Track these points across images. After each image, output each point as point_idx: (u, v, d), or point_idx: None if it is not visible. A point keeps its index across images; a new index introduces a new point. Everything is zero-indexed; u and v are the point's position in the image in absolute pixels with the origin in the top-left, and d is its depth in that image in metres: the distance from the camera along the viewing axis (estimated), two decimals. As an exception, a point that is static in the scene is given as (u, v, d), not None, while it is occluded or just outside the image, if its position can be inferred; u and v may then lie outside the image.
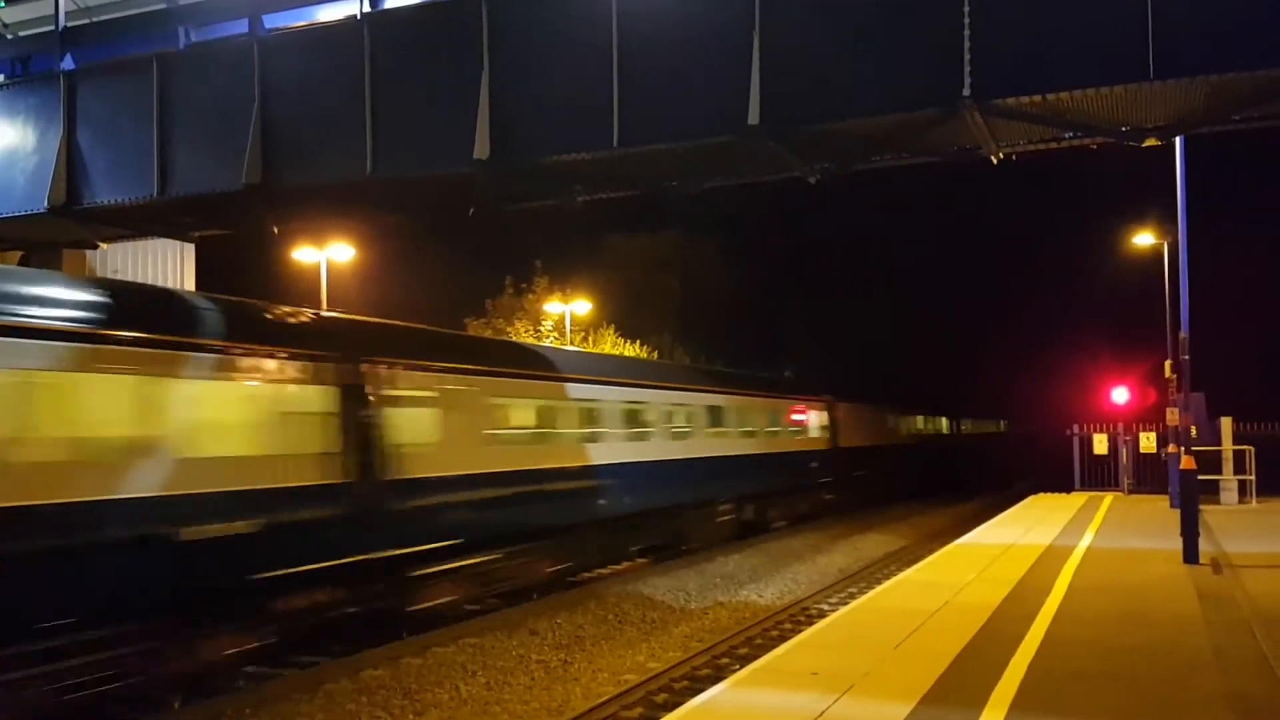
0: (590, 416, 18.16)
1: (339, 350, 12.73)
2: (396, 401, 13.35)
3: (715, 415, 23.30)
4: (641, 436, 19.86)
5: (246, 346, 11.51)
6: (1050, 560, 15.16)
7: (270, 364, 11.76)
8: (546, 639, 14.12)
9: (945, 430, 53.42)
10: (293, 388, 11.98)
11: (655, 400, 20.60)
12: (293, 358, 12.02)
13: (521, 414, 16.67)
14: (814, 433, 30.08)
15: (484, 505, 15.06)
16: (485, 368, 15.76)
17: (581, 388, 18.00)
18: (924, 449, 46.23)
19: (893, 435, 39.93)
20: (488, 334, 36.09)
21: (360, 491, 12.55)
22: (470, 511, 14.84)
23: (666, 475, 20.31)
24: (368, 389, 12.89)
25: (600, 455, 18.01)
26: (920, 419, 46.46)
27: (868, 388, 38.13)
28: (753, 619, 15.67)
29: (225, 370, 11.24)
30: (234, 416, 11.33)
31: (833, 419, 31.33)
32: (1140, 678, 8.40)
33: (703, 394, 23.10)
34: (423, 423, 13.94)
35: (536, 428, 16.98)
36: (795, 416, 28.87)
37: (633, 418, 19.64)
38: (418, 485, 13.60)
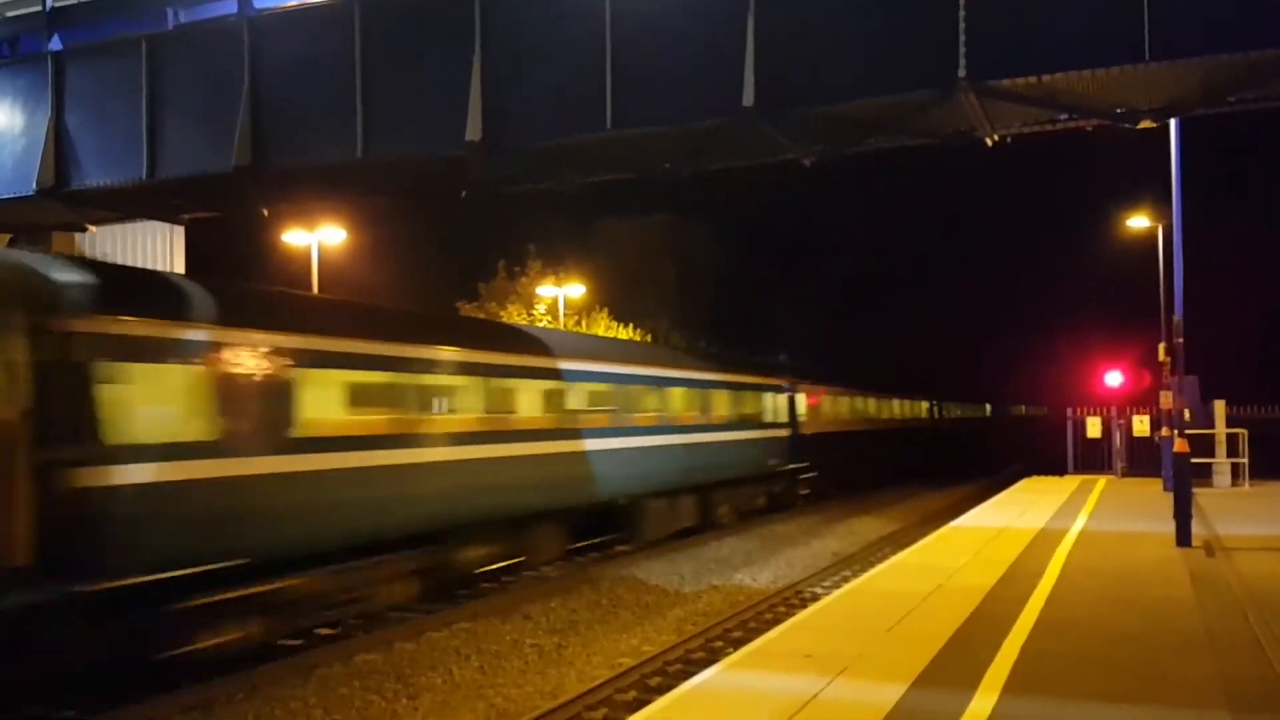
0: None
1: (788, 378, 28.56)
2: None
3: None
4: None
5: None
6: (1044, 543, 15.18)
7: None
8: (540, 623, 14.11)
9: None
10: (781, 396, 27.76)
11: None
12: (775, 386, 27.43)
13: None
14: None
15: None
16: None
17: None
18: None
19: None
20: (480, 317, 36.03)
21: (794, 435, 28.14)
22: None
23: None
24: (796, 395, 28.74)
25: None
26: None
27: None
28: (747, 602, 15.68)
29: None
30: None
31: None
32: (1133, 660, 8.40)
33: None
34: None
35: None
36: None
37: None
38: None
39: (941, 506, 30.86)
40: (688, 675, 9.78)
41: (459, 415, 14.57)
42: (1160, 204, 24.00)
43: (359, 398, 12.67)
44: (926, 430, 50.98)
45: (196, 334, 10.62)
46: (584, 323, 38.64)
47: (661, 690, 10.00)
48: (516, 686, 11.19)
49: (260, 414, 11.20)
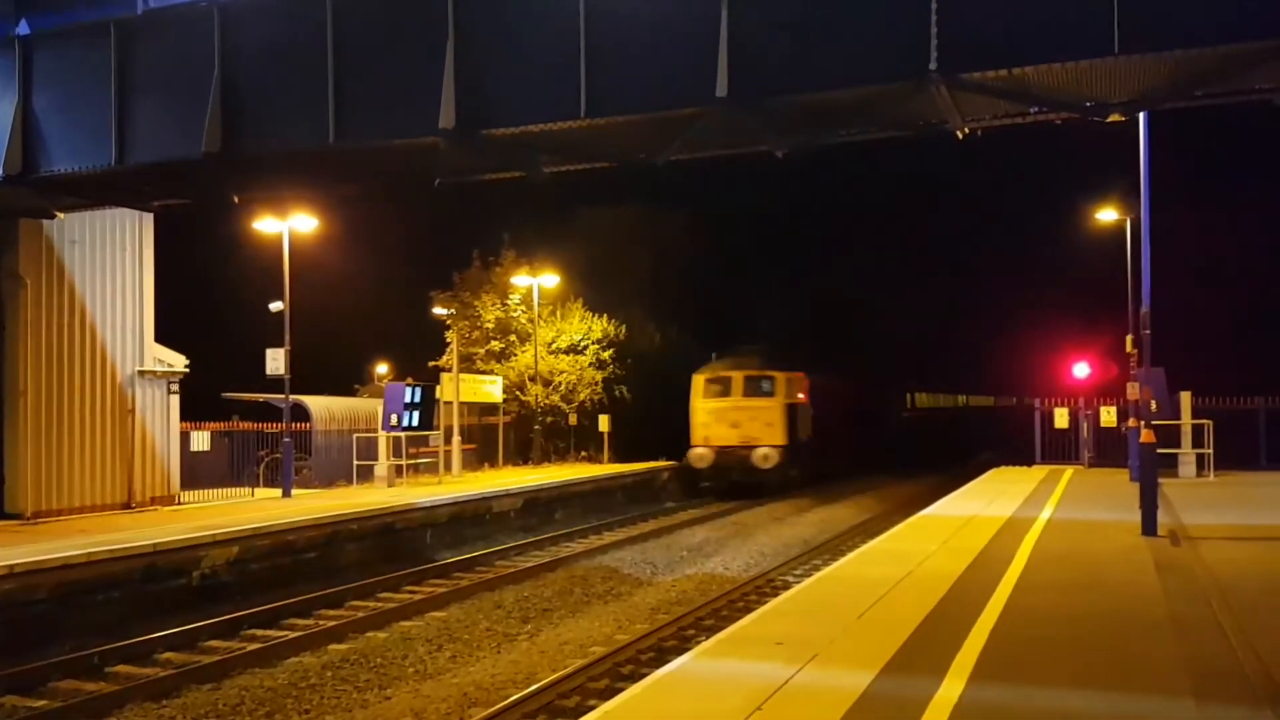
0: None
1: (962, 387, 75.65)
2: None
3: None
4: None
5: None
6: (1012, 531, 15.32)
7: None
8: (513, 612, 14.13)
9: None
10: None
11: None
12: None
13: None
14: None
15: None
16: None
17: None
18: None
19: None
20: (455, 307, 35.80)
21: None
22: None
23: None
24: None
25: None
26: None
27: None
28: (719, 590, 15.75)
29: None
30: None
31: None
32: (1099, 645, 8.51)
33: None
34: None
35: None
36: None
37: None
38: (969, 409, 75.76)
39: (911, 495, 31.09)
40: (660, 663, 9.84)
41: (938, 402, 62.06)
42: (1130, 195, 24.23)
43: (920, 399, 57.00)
44: (1002, 412, 79.81)
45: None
46: (559, 313, 38.54)
47: (634, 678, 10.04)
48: (489, 675, 11.20)
49: (904, 402, 52.89)
